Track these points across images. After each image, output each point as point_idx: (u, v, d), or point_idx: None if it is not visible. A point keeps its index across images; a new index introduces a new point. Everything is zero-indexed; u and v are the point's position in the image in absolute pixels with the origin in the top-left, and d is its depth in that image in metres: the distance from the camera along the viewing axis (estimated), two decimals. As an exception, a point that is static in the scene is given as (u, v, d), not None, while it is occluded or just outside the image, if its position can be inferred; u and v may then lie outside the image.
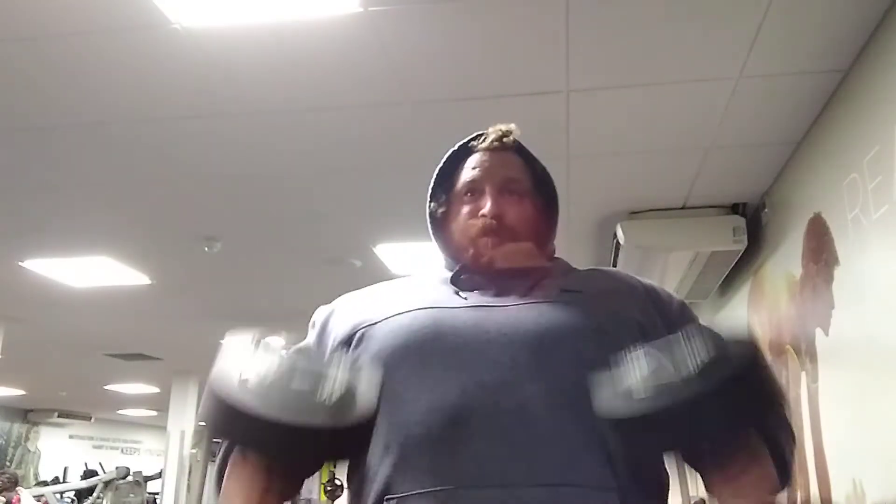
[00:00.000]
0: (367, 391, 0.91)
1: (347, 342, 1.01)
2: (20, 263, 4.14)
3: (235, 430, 0.89)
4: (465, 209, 1.09)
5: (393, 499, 0.87)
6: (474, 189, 1.09)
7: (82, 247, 3.92)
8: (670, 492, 0.97)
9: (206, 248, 3.81)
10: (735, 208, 3.30)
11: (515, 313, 0.97)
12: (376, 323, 1.00)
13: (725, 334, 0.85)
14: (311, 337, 1.08)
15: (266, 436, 0.86)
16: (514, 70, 2.27)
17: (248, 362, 0.88)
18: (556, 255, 1.17)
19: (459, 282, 1.05)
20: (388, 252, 3.97)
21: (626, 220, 3.35)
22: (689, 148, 2.79)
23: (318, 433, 0.86)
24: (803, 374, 2.71)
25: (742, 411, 0.82)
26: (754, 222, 3.26)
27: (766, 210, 3.14)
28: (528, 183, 1.12)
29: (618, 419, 0.83)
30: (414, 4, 1.97)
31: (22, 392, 9.83)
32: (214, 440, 0.98)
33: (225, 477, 0.97)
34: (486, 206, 1.06)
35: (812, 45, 2.14)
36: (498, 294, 1.02)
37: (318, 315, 1.10)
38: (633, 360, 0.84)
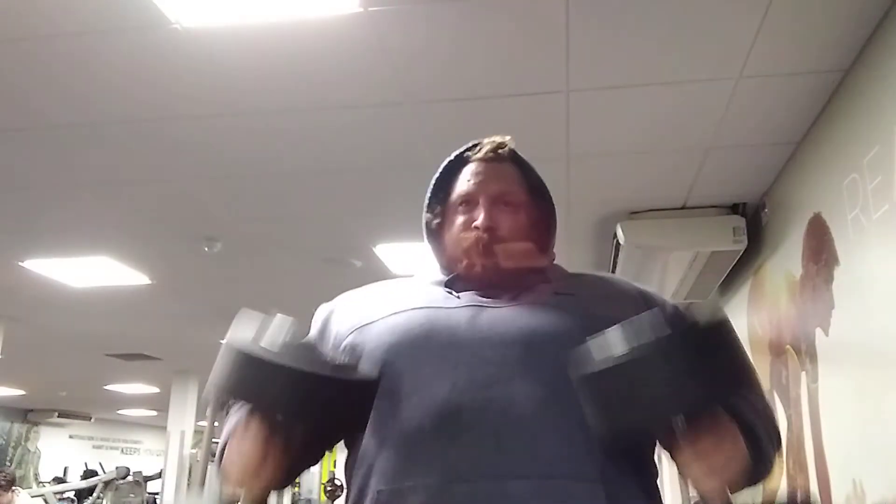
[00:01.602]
0: (368, 370, 0.94)
1: (348, 342, 1.03)
2: (20, 263, 4.14)
3: (249, 384, 0.88)
4: (460, 220, 1.10)
5: (385, 491, 0.90)
6: (469, 200, 1.10)
7: (82, 247, 3.92)
8: (670, 493, 0.96)
9: (206, 248, 3.81)
10: (735, 208, 3.30)
11: (508, 313, 1.00)
12: (373, 322, 1.03)
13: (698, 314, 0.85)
14: (313, 333, 1.10)
15: (280, 390, 0.86)
16: (514, 70, 2.27)
17: (260, 329, 0.89)
18: (555, 262, 1.18)
19: (454, 285, 1.08)
20: (388, 252, 3.97)
21: (626, 221, 3.34)
22: (689, 148, 2.79)
23: (328, 391, 0.87)
24: (803, 374, 2.71)
25: (710, 384, 0.82)
26: (754, 222, 3.26)
27: (766, 210, 3.14)
28: (523, 194, 1.12)
29: (590, 379, 0.84)
30: (414, 4, 1.97)
31: (22, 392, 9.83)
32: (225, 402, 0.97)
33: (231, 439, 0.95)
34: (480, 218, 1.07)
35: (812, 45, 2.14)
36: (491, 295, 1.04)
37: (319, 313, 1.13)
38: (607, 332, 0.85)
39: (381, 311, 1.05)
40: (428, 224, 1.16)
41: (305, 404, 0.87)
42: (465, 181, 1.12)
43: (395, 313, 1.03)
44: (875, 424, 2.14)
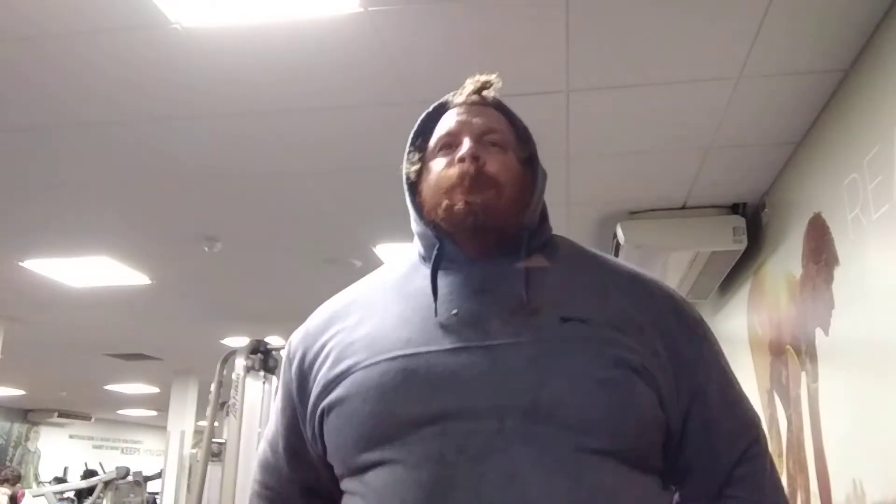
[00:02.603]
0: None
1: (321, 405, 0.93)
2: (20, 263, 4.14)
3: None
4: (441, 161, 0.96)
5: None
6: (451, 143, 0.97)
7: (82, 247, 3.92)
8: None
9: (206, 248, 3.81)
10: (735, 208, 3.30)
11: (503, 359, 0.85)
12: (346, 376, 0.90)
13: None
14: (288, 379, 1.01)
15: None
16: (514, 70, 2.27)
17: None
18: (553, 234, 1.05)
19: (436, 287, 0.92)
20: (388, 252, 3.97)
21: (626, 220, 3.34)
22: (689, 148, 2.79)
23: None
24: (803, 374, 2.71)
25: None
26: (754, 222, 3.26)
27: (766, 210, 3.14)
28: (511, 137, 1.00)
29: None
30: (414, 4, 1.97)
31: (22, 392, 9.83)
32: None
33: None
34: (464, 149, 0.93)
35: (812, 45, 2.13)
36: (482, 311, 0.89)
37: (294, 346, 1.02)
38: None
39: (354, 356, 0.90)
40: (408, 178, 1.01)
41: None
42: (445, 123, 1.00)
43: (370, 364, 0.88)
44: (875, 424, 2.13)
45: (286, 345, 1.06)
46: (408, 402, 0.84)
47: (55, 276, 4.38)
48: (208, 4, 1.98)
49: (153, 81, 2.34)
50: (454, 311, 0.90)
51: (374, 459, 0.85)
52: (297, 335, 1.03)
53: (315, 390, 0.94)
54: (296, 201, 3.33)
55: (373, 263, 4.16)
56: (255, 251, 4.04)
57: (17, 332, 5.65)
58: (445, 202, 0.92)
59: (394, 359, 0.87)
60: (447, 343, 0.87)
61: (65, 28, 2.07)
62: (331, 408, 0.91)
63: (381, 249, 3.94)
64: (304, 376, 0.98)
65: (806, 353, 2.67)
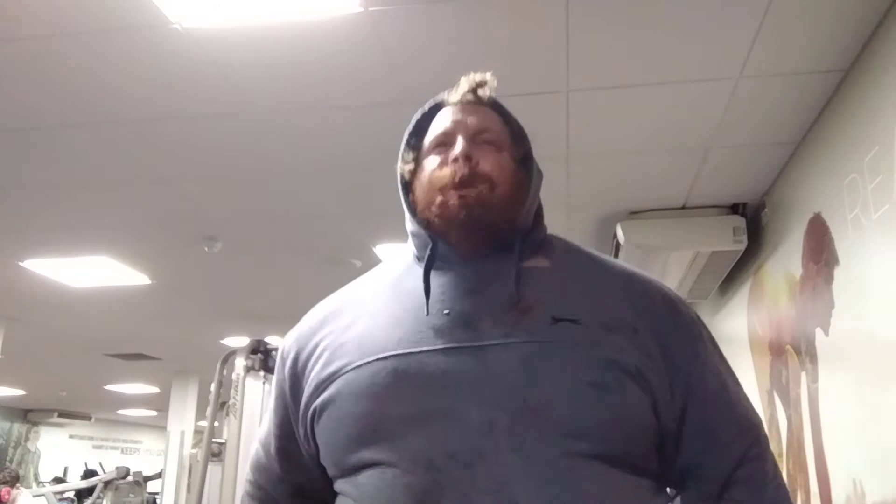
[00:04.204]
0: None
1: (313, 405, 0.93)
2: (20, 263, 4.14)
3: None
4: (435, 160, 0.96)
5: None
6: (445, 142, 0.96)
7: (82, 247, 3.92)
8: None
9: (206, 248, 3.81)
10: (735, 208, 3.30)
11: (494, 360, 0.84)
12: (337, 376, 0.90)
13: None
14: (282, 378, 1.01)
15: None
16: (514, 70, 2.27)
17: None
18: (548, 233, 1.04)
19: (429, 287, 0.92)
20: (388, 252, 3.97)
21: (626, 220, 3.34)
22: (689, 148, 2.79)
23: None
24: (803, 374, 2.71)
25: None
26: (754, 222, 3.26)
27: (766, 210, 3.14)
28: (506, 136, 0.99)
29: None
30: (414, 4, 1.97)
31: (22, 392, 9.83)
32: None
33: None
34: (457, 149, 0.93)
35: (812, 45, 2.13)
36: (475, 311, 0.89)
37: (287, 348, 1.02)
38: None
39: (346, 356, 0.90)
40: (402, 177, 1.00)
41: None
42: (440, 122, 0.99)
43: (362, 364, 0.88)
44: (875, 424, 2.13)
45: (280, 345, 1.06)
46: (398, 402, 0.84)
47: (55, 276, 4.38)
48: (208, 4, 1.98)
49: (153, 81, 2.34)
50: (446, 311, 0.89)
51: (365, 460, 0.85)
52: (291, 335, 1.03)
53: (307, 390, 0.94)
54: (296, 201, 3.33)
55: (373, 263, 4.13)
56: (255, 251, 4.04)
57: (17, 332, 5.65)
58: (439, 199, 0.92)
59: (385, 359, 0.87)
60: (439, 343, 0.86)
61: (65, 28, 2.07)
62: (323, 408, 0.90)
63: (381, 249, 3.94)
64: (296, 376, 0.98)
65: (806, 353, 2.67)
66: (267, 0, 1.97)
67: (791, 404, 2.86)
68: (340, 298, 1.03)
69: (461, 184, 0.91)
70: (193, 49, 2.17)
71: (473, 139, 0.95)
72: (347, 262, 4.11)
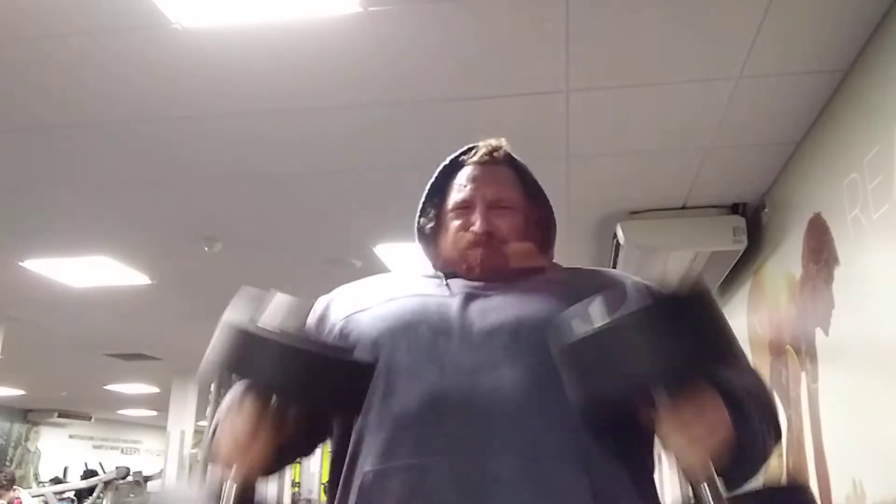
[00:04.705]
0: (361, 354, 0.96)
1: (341, 328, 1.05)
2: (20, 263, 4.14)
3: (243, 360, 0.89)
4: (456, 223, 1.11)
5: (371, 472, 0.91)
6: (465, 206, 1.11)
7: (82, 247, 3.92)
8: (668, 492, 0.94)
9: (206, 248, 3.81)
10: (735, 208, 3.30)
11: (499, 300, 1.02)
12: (367, 309, 1.05)
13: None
14: (311, 322, 1.10)
15: (273, 366, 0.86)
16: (514, 70, 2.27)
17: (258, 306, 0.90)
18: (554, 262, 1.18)
19: (450, 278, 1.09)
20: (388, 252, 3.97)
21: (626, 220, 3.35)
22: (689, 148, 2.79)
23: (322, 369, 0.87)
24: (803, 374, 2.71)
25: (690, 353, 0.80)
26: (754, 222, 3.26)
27: (766, 210, 3.14)
28: (519, 196, 1.13)
29: (569, 348, 0.83)
30: (414, 4, 1.97)
31: (22, 392, 9.84)
32: (220, 378, 0.98)
33: (224, 417, 0.95)
34: (477, 223, 1.08)
35: (812, 45, 2.14)
36: (484, 287, 1.05)
37: (318, 304, 1.13)
38: (587, 303, 0.84)
39: (376, 299, 1.06)
40: (422, 229, 1.17)
41: (298, 381, 0.87)
42: (460, 186, 1.12)
43: (389, 300, 1.05)
44: (875, 424, 2.14)
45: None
46: (417, 321, 0.99)
47: (55, 276, 4.38)
48: (208, 4, 1.98)
49: (153, 81, 2.34)
50: (461, 281, 1.07)
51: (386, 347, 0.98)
52: (321, 299, 1.15)
53: (335, 318, 1.07)
54: (296, 201, 3.33)
55: (373, 263, 4.18)
56: (255, 251, 4.04)
57: (17, 332, 5.65)
58: (464, 265, 1.09)
59: (410, 296, 1.04)
60: (455, 291, 1.04)
61: (65, 28, 2.07)
62: (349, 322, 1.04)
63: (381, 249, 3.94)
64: (322, 318, 1.09)
65: (806, 353, 2.67)
66: (267, 0, 1.97)
67: (791, 404, 2.86)
68: (361, 281, 1.16)
69: (482, 255, 1.07)
70: (193, 49, 2.17)
71: (490, 207, 1.09)
72: (347, 262, 4.12)
